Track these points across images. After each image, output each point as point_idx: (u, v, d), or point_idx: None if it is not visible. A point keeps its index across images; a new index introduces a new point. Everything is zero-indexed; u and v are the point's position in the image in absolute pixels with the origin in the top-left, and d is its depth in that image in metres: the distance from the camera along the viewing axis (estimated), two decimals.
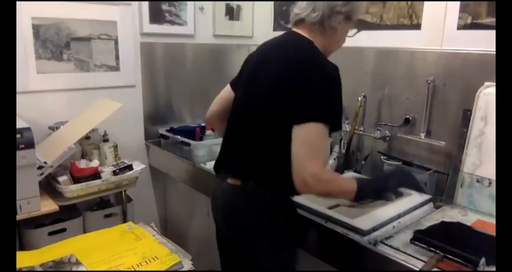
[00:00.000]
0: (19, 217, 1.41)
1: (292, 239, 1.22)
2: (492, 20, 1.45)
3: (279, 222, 1.16)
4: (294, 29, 1.23)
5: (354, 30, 1.26)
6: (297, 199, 1.43)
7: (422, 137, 1.65)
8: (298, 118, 1.06)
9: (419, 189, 1.48)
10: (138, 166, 1.82)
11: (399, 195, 1.43)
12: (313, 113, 1.06)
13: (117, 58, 2.05)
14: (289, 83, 1.10)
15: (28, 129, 1.37)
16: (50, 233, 1.68)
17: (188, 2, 2.25)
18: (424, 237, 1.10)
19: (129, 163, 1.79)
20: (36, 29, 1.78)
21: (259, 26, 2.55)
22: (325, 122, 1.06)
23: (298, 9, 1.19)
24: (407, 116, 1.70)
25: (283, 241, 1.18)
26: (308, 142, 1.05)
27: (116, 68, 2.06)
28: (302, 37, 1.19)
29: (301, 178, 1.05)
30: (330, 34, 1.19)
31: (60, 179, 1.60)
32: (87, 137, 1.83)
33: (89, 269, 1.04)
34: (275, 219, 1.15)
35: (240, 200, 1.19)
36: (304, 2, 1.17)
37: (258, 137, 1.18)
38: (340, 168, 1.88)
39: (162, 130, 2.22)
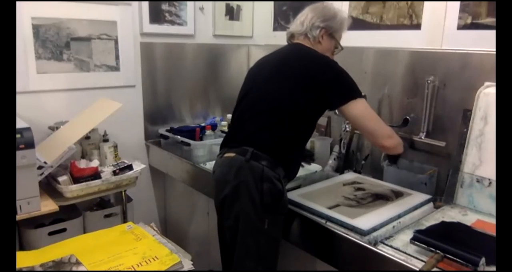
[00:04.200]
0: (19, 217, 1.40)
1: (276, 209, 1.29)
2: (492, 20, 1.45)
3: (264, 191, 1.26)
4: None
5: (338, 49, 1.51)
6: (297, 199, 1.44)
7: (422, 137, 1.65)
8: (339, 102, 1.30)
9: None
10: (138, 166, 1.81)
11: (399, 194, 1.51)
12: (348, 93, 1.31)
13: (117, 58, 2.05)
14: (305, 77, 1.31)
15: (28, 129, 1.37)
16: (50, 233, 1.68)
17: (188, 2, 2.25)
18: (424, 237, 1.10)
19: (129, 163, 1.79)
20: (36, 29, 1.78)
21: (259, 26, 2.55)
22: (360, 96, 1.31)
23: (291, 28, 1.48)
24: (406, 117, 1.70)
25: (267, 209, 1.27)
26: (365, 115, 1.31)
27: (116, 68, 2.06)
28: (300, 44, 1.44)
29: (385, 140, 1.34)
30: (316, 45, 1.44)
31: (60, 179, 1.60)
32: (87, 137, 1.83)
33: (89, 269, 1.04)
34: (261, 187, 1.26)
35: (231, 170, 1.31)
36: (297, 22, 1.45)
37: (264, 118, 1.34)
38: (340, 168, 1.88)
39: (162, 130, 2.22)
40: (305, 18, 1.44)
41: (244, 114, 1.40)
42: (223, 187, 1.33)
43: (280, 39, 1.48)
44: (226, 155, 1.36)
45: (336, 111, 1.46)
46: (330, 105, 1.34)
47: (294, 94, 1.31)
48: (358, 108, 1.30)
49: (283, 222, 1.33)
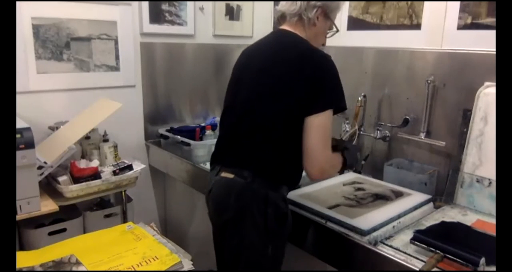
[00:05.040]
0: (19, 217, 1.40)
1: (281, 233, 1.23)
2: (492, 20, 1.45)
3: (268, 215, 1.17)
4: (280, 27, 1.31)
5: (333, 31, 1.35)
6: (297, 199, 1.44)
7: (422, 137, 1.65)
8: (312, 109, 1.14)
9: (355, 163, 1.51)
10: (138, 166, 1.81)
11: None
12: (326, 102, 1.15)
13: (117, 58, 2.05)
14: (295, 78, 1.16)
15: (28, 129, 1.37)
16: (50, 233, 1.68)
17: (188, 2, 2.25)
18: (424, 237, 1.10)
19: (129, 163, 1.79)
20: (36, 29, 1.78)
21: (259, 26, 2.55)
22: (334, 107, 1.17)
23: (280, 6, 1.29)
24: (406, 117, 1.70)
25: (271, 234, 1.19)
26: (323, 131, 1.16)
27: (116, 68, 2.06)
28: (289, 32, 1.27)
29: (319, 167, 1.18)
30: (310, 27, 1.27)
31: (60, 179, 1.60)
32: (87, 137, 1.83)
33: (89, 269, 1.04)
34: (265, 212, 1.17)
35: (231, 193, 1.21)
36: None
37: (259, 133, 1.22)
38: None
39: (162, 130, 2.21)
40: None
41: (237, 126, 1.26)
42: (222, 211, 1.23)
43: None
44: (223, 174, 1.24)
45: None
46: (310, 107, 1.15)
47: (287, 104, 1.17)
48: (326, 120, 1.15)
49: (287, 242, 1.27)
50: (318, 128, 1.15)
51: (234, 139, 1.28)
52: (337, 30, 1.36)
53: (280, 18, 1.31)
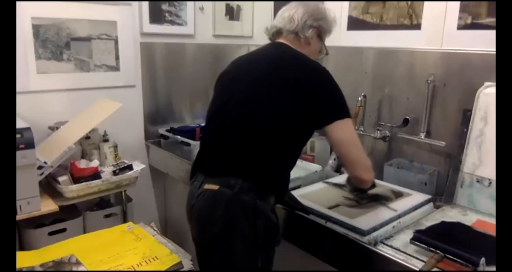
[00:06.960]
0: (19, 217, 1.40)
1: (271, 245, 1.19)
2: (492, 20, 1.45)
3: (258, 228, 1.12)
4: (277, 40, 1.33)
5: (323, 53, 1.38)
6: (297, 199, 1.43)
7: (422, 137, 1.65)
8: (325, 119, 1.15)
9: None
10: (138, 166, 1.82)
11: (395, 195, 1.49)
12: (337, 111, 1.17)
13: (117, 58, 2.05)
14: (297, 89, 1.16)
15: (28, 129, 1.37)
16: (50, 233, 1.68)
17: (188, 2, 2.25)
18: (424, 237, 1.10)
19: (129, 163, 1.79)
20: (36, 29, 1.78)
21: (259, 26, 2.55)
22: (348, 116, 1.18)
23: (277, 22, 1.32)
24: (406, 117, 1.70)
25: (261, 247, 1.15)
26: (351, 140, 1.18)
27: (116, 68, 2.06)
28: (288, 45, 1.29)
29: (370, 171, 1.24)
30: (305, 45, 1.31)
31: (60, 179, 1.60)
32: (87, 137, 1.83)
33: (89, 269, 1.04)
34: (255, 224, 1.12)
35: (218, 206, 1.13)
36: (284, 15, 1.30)
37: (251, 140, 1.17)
38: (340, 168, 1.88)
39: (162, 130, 2.22)
40: (294, 13, 1.28)
41: (224, 133, 1.20)
42: (208, 226, 1.15)
43: None
44: (207, 187, 1.16)
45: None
46: (318, 122, 1.17)
47: (285, 111, 1.15)
48: (345, 131, 1.17)
49: (275, 251, 1.21)
50: (343, 138, 1.17)
51: (219, 148, 1.21)
52: (327, 53, 1.39)
53: (276, 33, 1.33)
